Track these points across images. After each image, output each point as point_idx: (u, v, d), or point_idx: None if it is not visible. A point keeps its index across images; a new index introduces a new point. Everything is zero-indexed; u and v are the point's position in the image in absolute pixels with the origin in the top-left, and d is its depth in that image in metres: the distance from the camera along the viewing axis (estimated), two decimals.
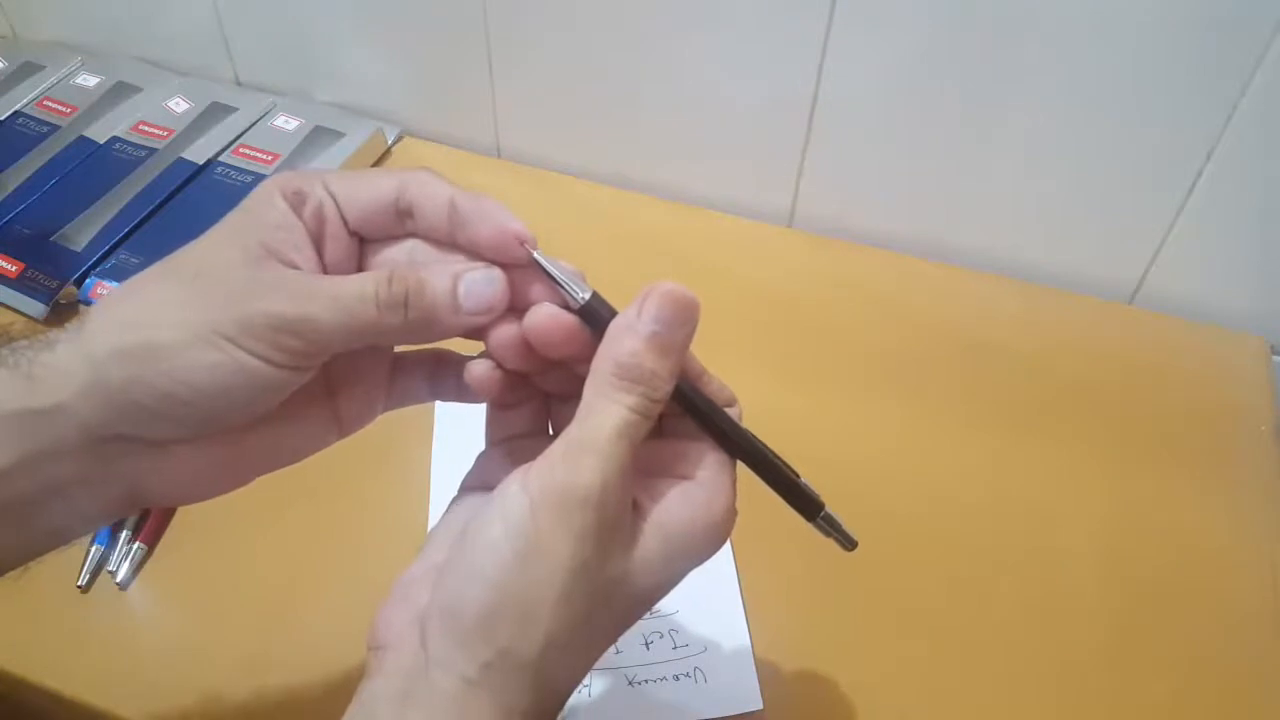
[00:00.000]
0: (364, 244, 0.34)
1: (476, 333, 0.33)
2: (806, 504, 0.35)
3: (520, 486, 0.29)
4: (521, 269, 0.33)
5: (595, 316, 0.32)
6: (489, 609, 0.29)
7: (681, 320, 0.31)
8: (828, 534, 0.35)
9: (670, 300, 0.31)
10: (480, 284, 0.32)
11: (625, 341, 0.30)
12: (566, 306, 0.32)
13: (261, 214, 0.32)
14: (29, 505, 0.31)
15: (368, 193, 0.33)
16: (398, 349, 0.37)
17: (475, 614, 0.29)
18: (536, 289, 0.33)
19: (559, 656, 0.29)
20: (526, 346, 0.33)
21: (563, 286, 0.32)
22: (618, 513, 0.30)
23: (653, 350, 0.30)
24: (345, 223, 0.33)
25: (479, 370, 0.34)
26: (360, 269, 0.34)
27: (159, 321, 0.30)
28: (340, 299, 0.31)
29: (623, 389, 0.30)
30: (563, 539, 0.29)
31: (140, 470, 0.32)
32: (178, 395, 0.30)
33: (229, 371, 0.30)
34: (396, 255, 0.34)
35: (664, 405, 0.31)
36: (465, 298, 0.32)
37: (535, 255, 0.32)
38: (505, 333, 0.33)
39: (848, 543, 0.36)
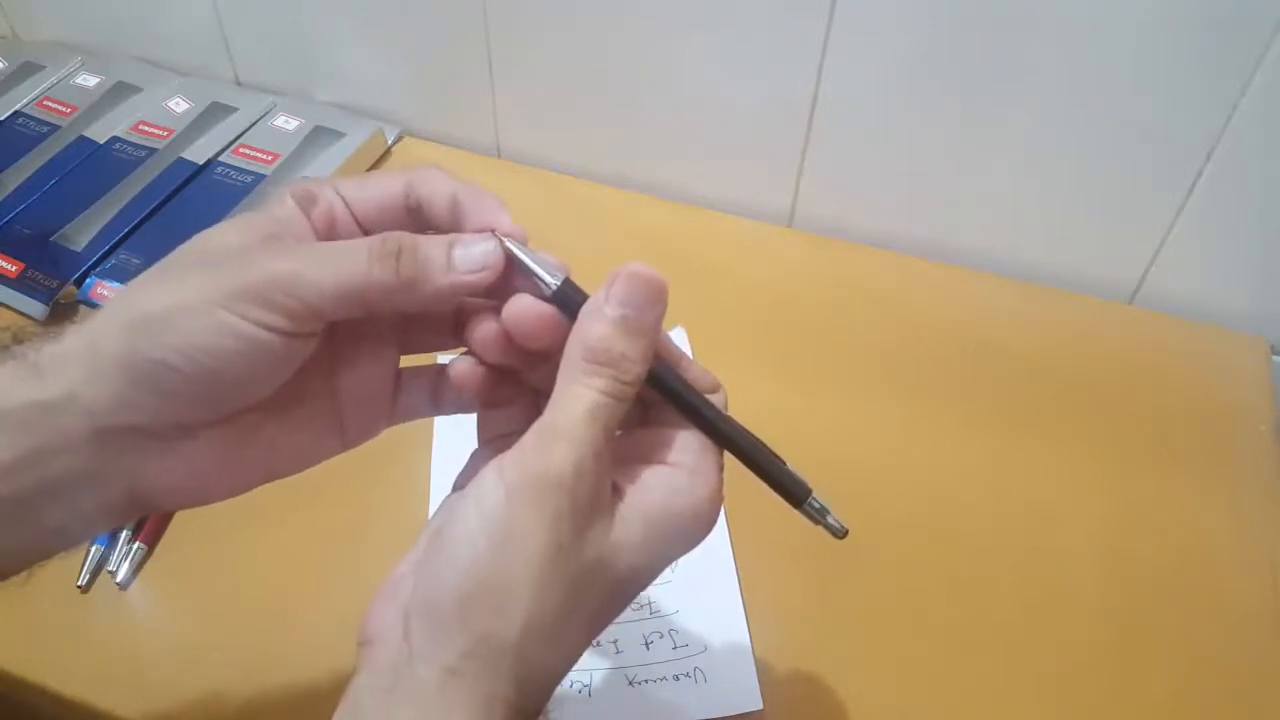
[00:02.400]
0: None
1: (466, 317, 0.34)
2: (791, 490, 0.34)
3: (494, 476, 0.29)
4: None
5: (568, 303, 0.32)
6: (466, 596, 0.29)
7: (650, 301, 0.31)
8: (817, 521, 0.35)
9: (638, 282, 0.31)
10: (474, 246, 0.32)
11: (594, 325, 0.31)
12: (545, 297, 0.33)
13: (268, 211, 0.33)
14: (32, 502, 0.31)
15: (377, 191, 0.34)
16: (403, 363, 0.37)
17: (453, 602, 0.29)
18: (516, 282, 0.33)
19: (539, 643, 0.29)
20: (506, 339, 0.33)
21: (534, 274, 0.32)
22: (592, 495, 0.30)
23: (621, 333, 0.30)
24: (358, 223, 0.34)
25: (461, 367, 0.34)
26: None
27: (156, 300, 0.30)
28: (331, 254, 0.31)
29: (592, 372, 0.30)
30: (537, 523, 0.29)
31: (142, 467, 0.32)
32: (176, 365, 0.30)
33: (226, 338, 0.30)
34: None
35: (637, 388, 0.31)
36: (459, 257, 0.32)
37: (506, 243, 0.32)
38: (484, 327, 0.33)
39: (836, 531, 0.35)
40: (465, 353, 0.34)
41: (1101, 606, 0.50)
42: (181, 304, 0.30)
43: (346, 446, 0.36)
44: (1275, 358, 0.63)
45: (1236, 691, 0.47)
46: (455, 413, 0.37)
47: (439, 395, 0.37)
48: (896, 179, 0.66)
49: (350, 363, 0.35)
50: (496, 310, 0.33)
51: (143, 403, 0.31)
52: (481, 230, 0.33)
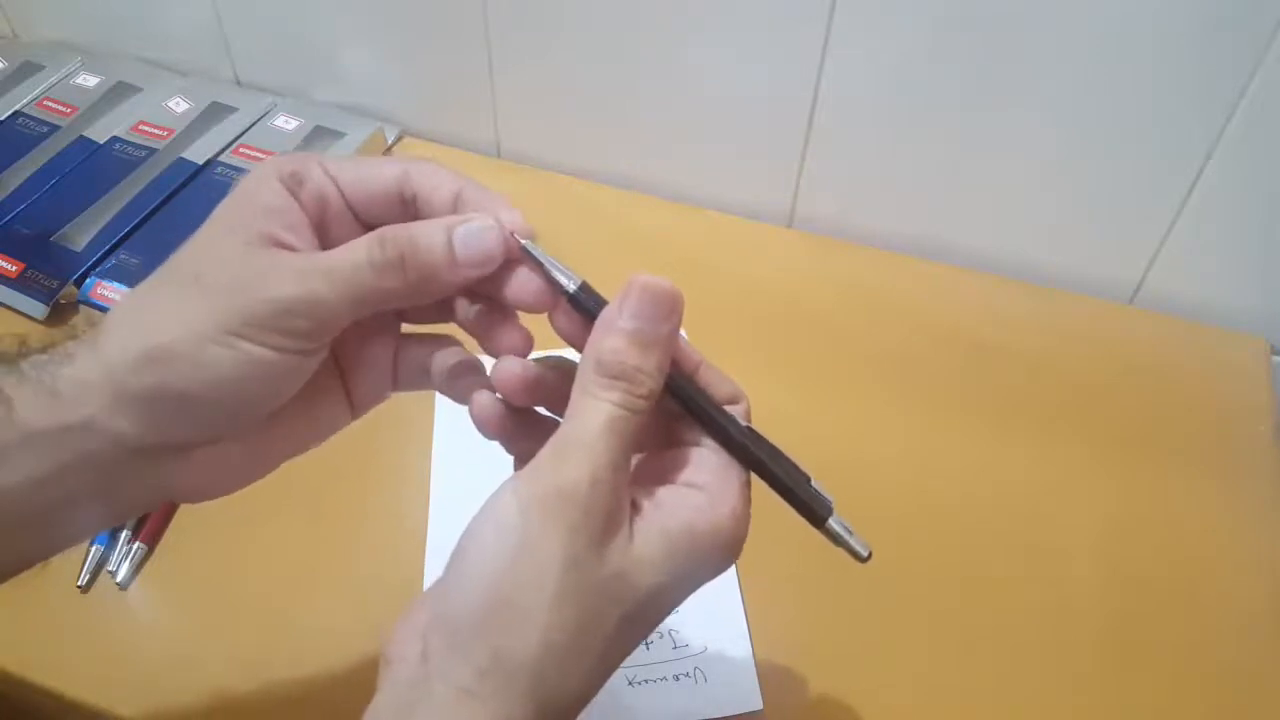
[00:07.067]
0: (372, 228, 0.34)
1: (473, 294, 0.34)
2: (812, 509, 0.33)
3: (510, 490, 0.29)
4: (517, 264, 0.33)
5: (585, 306, 0.32)
6: (483, 612, 0.28)
7: (663, 314, 0.31)
8: (838, 543, 0.33)
9: (651, 294, 0.30)
10: (474, 235, 0.32)
11: (607, 339, 0.30)
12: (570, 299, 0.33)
13: (254, 199, 0.32)
14: (54, 512, 0.31)
15: (371, 178, 0.33)
16: (404, 329, 0.37)
17: (470, 619, 0.28)
18: (526, 279, 0.33)
19: (557, 663, 0.28)
20: (532, 382, 0.33)
21: (552, 276, 0.32)
22: (610, 507, 0.29)
23: (634, 346, 0.30)
24: (350, 207, 0.33)
25: (481, 401, 0.34)
26: None
27: (167, 327, 0.30)
28: (336, 270, 0.31)
29: (606, 385, 0.30)
30: (553, 536, 0.28)
31: (166, 475, 0.32)
32: (198, 396, 0.30)
33: (242, 365, 0.30)
34: None
35: (653, 400, 0.31)
36: (461, 249, 0.32)
37: (525, 244, 0.32)
38: (509, 370, 0.33)
39: (859, 554, 0.33)
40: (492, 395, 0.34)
41: (1101, 606, 0.50)
42: (198, 333, 0.30)
43: (356, 416, 0.37)
44: (1275, 358, 0.63)
45: (1237, 691, 0.47)
46: (450, 395, 0.36)
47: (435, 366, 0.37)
48: (896, 179, 0.66)
49: (353, 343, 0.35)
50: (520, 339, 0.34)
51: (165, 427, 0.31)
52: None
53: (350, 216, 0.33)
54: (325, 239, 0.33)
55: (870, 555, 0.33)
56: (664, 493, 0.32)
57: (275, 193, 0.32)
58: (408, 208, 0.33)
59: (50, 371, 0.30)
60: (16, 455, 0.30)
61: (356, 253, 0.31)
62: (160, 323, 0.30)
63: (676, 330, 0.31)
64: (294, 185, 0.32)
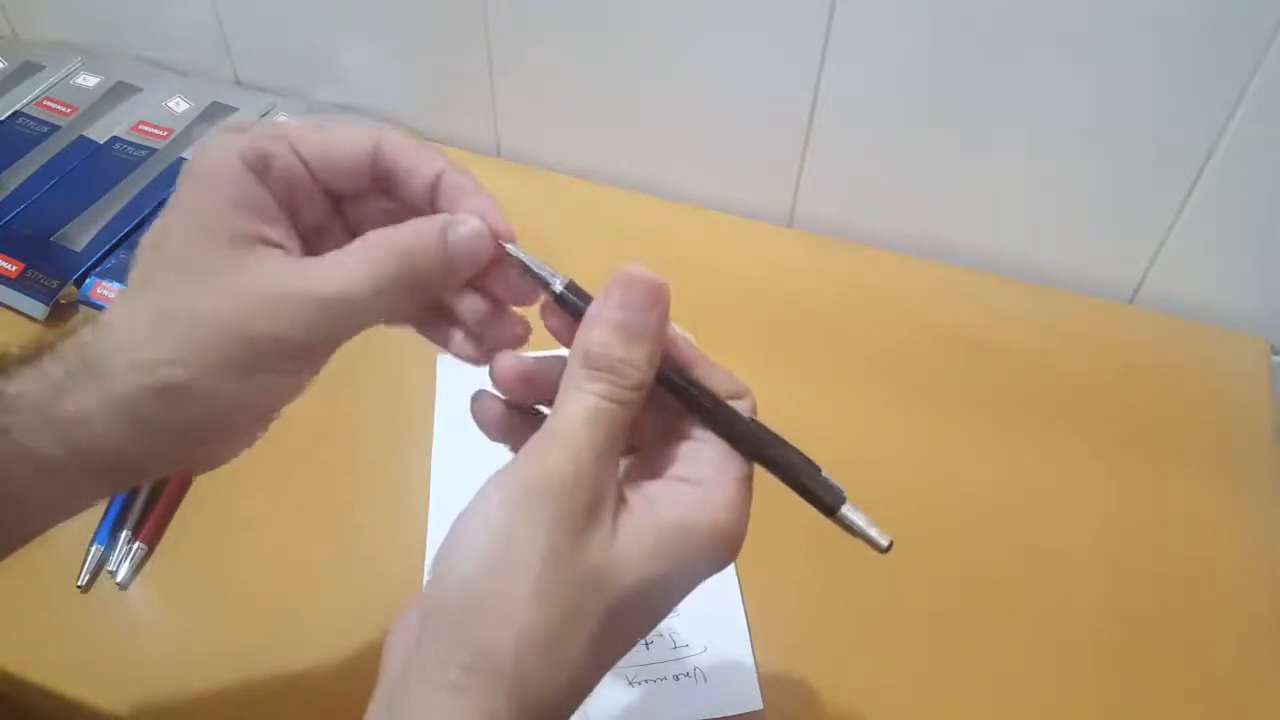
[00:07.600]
0: (340, 201, 0.34)
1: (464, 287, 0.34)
2: (821, 500, 0.32)
3: (495, 483, 0.29)
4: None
5: (573, 306, 0.32)
6: (466, 606, 0.28)
7: (649, 304, 0.30)
8: (855, 534, 0.32)
9: (635, 285, 0.30)
10: (467, 240, 0.32)
11: (593, 331, 0.30)
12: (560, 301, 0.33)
13: (224, 188, 0.31)
14: (56, 506, 0.33)
15: (341, 152, 0.33)
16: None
17: (454, 612, 0.28)
18: (516, 279, 0.33)
19: (539, 658, 0.28)
20: (529, 378, 0.33)
21: (539, 278, 0.32)
22: (593, 499, 0.29)
23: (620, 338, 0.30)
24: (319, 184, 0.33)
25: (483, 402, 0.34)
26: (340, 227, 0.35)
27: (170, 359, 0.30)
28: (333, 294, 0.31)
29: (591, 378, 0.30)
30: (535, 527, 0.28)
31: (166, 468, 0.34)
32: (209, 421, 0.31)
33: (251, 391, 0.31)
34: (375, 213, 0.34)
35: (642, 391, 0.31)
36: (453, 253, 0.32)
37: (511, 249, 0.33)
38: (507, 365, 0.33)
39: (878, 545, 0.32)
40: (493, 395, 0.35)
41: (1101, 606, 0.50)
42: (200, 371, 0.30)
43: None
44: (1275, 358, 0.63)
45: (1236, 691, 0.47)
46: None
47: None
48: (897, 179, 0.66)
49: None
50: (519, 330, 0.34)
51: (172, 445, 0.32)
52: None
53: (319, 193, 0.33)
54: (295, 218, 0.33)
55: (891, 545, 0.32)
56: (658, 489, 0.31)
57: (243, 180, 0.31)
58: (380, 182, 0.33)
59: (49, 401, 0.30)
60: (15, 466, 0.30)
61: (354, 269, 0.31)
62: (161, 356, 0.30)
63: (664, 321, 0.31)
64: (260, 168, 0.32)
